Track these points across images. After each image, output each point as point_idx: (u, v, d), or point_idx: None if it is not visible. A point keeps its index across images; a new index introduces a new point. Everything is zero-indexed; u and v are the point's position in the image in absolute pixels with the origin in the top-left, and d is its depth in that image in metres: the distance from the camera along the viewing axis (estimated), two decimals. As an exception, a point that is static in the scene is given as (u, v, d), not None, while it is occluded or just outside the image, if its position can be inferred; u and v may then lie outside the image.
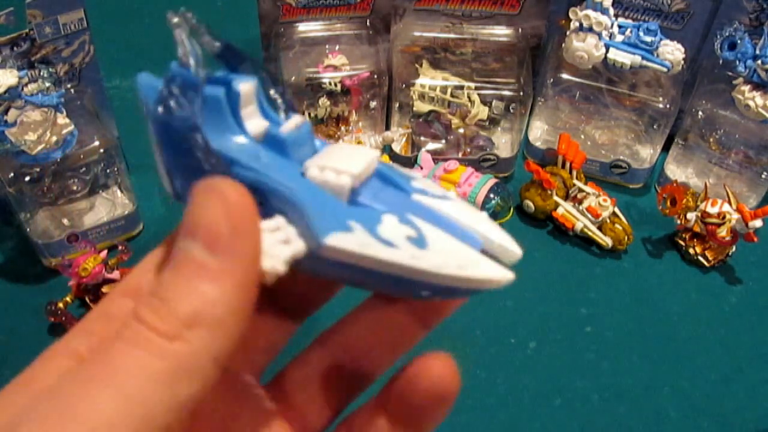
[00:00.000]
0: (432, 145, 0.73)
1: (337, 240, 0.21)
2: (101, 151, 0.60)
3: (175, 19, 0.25)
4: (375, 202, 0.23)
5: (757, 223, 0.62)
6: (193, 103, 0.23)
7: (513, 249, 0.23)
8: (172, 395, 0.18)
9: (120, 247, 0.58)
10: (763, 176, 0.68)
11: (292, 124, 0.24)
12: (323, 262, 0.21)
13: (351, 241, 0.21)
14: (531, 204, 0.68)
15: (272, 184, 0.22)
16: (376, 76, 0.71)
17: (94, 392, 0.17)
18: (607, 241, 0.65)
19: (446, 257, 0.21)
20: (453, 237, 0.22)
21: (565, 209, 0.67)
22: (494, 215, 0.65)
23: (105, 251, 0.57)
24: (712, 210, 0.64)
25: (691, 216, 0.65)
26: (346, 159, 0.23)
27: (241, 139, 0.24)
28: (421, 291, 0.22)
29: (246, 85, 0.24)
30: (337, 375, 0.26)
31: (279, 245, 0.21)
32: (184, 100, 0.23)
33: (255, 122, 0.24)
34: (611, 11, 0.65)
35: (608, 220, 0.66)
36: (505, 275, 0.21)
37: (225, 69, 0.26)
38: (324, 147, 0.24)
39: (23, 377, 0.21)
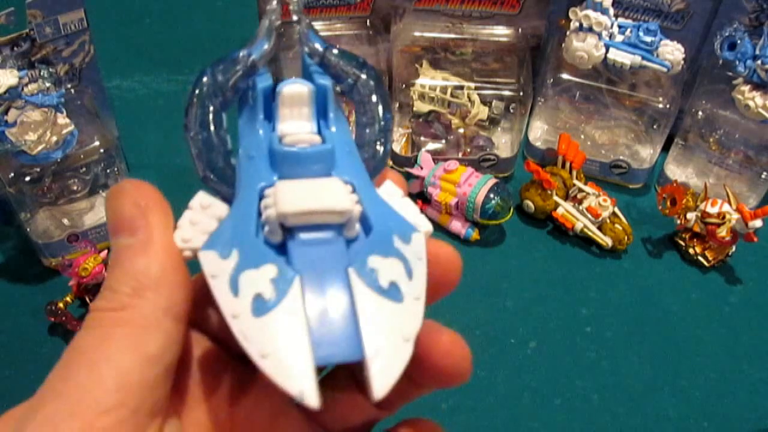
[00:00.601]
0: (432, 145, 0.73)
1: (203, 257, 0.21)
2: (101, 151, 0.60)
3: (272, 5, 0.25)
4: (296, 250, 0.21)
5: (757, 223, 0.62)
6: (236, 79, 0.24)
7: (372, 387, 0.19)
8: (143, 353, 0.20)
9: (120, 247, 0.58)
10: (763, 176, 0.68)
11: (301, 139, 0.23)
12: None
13: (210, 265, 0.21)
14: (531, 204, 0.68)
15: (237, 186, 0.23)
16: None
17: (77, 377, 0.20)
18: (607, 241, 0.65)
19: (264, 338, 0.19)
20: (309, 329, 0.19)
21: (565, 209, 0.67)
22: (494, 215, 0.65)
23: (105, 251, 0.57)
24: (712, 210, 0.64)
25: (691, 216, 0.65)
26: (300, 194, 0.21)
27: (258, 134, 0.24)
28: None
29: (292, 88, 0.24)
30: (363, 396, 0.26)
31: (189, 228, 0.22)
32: (229, 75, 0.24)
33: (292, 124, 0.24)
34: (611, 11, 0.65)
35: (608, 220, 0.66)
36: (298, 391, 0.19)
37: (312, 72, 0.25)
38: (336, 174, 0.23)
39: None
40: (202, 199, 0.23)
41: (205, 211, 0.23)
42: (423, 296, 0.21)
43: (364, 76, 0.26)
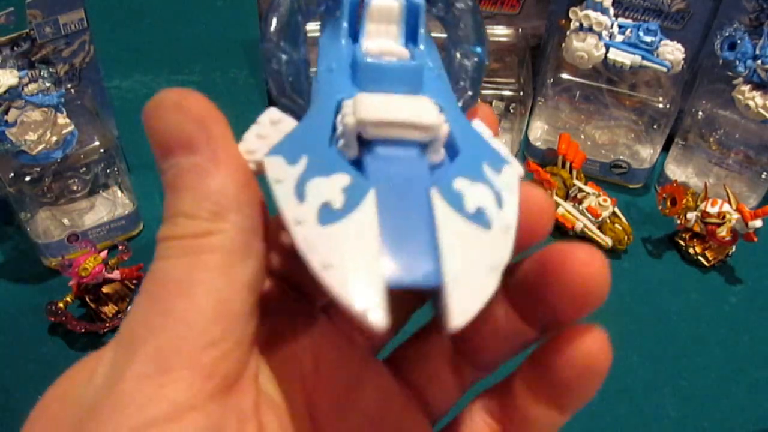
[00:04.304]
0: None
1: (268, 162, 0.19)
2: (101, 151, 0.60)
3: None
4: (374, 164, 0.19)
5: (757, 223, 0.62)
6: None
7: (448, 317, 0.17)
8: (238, 280, 0.18)
9: (120, 247, 0.58)
10: (763, 176, 0.68)
11: (386, 51, 0.22)
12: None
13: (275, 170, 0.19)
14: (531, 204, 0.68)
15: (312, 98, 0.21)
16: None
17: (173, 309, 0.18)
18: (607, 241, 0.65)
19: (329, 247, 0.17)
20: (383, 244, 0.17)
21: (565, 209, 0.67)
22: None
23: (105, 251, 0.57)
24: (712, 210, 0.64)
25: (691, 216, 0.65)
26: (385, 105, 0.20)
27: (340, 46, 0.22)
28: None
29: (382, 2, 0.22)
30: (457, 357, 0.24)
31: (256, 140, 0.21)
32: None
33: (378, 42, 0.22)
34: (611, 11, 0.65)
35: (608, 220, 0.66)
36: (363, 307, 0.16)
37: None
38: (423, 95, 0.21)
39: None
40: (272, 114, 0.21)
41: (274, 126, 0.21)
42: (513, 228, 0.19)
43: (462, 4, 0.24)
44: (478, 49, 0.24)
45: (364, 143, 0.19)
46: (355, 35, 0.23)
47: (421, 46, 0.23)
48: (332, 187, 0.18)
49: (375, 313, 0.16)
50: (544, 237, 0.21)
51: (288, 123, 0.21)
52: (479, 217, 0.19)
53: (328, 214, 0.18)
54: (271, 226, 0.20)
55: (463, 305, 0.17)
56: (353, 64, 0.21)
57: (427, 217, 0.18)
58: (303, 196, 0.18)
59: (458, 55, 0.24)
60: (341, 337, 0.24)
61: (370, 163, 0.19)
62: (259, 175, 0.20)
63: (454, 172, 0.20)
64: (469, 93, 0.24)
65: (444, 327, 0.17)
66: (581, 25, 0.65)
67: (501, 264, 0.18)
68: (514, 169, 0.21)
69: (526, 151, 0.76)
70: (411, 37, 0.23)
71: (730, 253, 0.66)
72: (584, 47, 0.65)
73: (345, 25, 0.22)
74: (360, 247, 0.17)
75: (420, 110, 0.20)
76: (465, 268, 0.18)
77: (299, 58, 0.23)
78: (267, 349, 0.22)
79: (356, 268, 0.17)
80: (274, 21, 0.23)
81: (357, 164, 0.19)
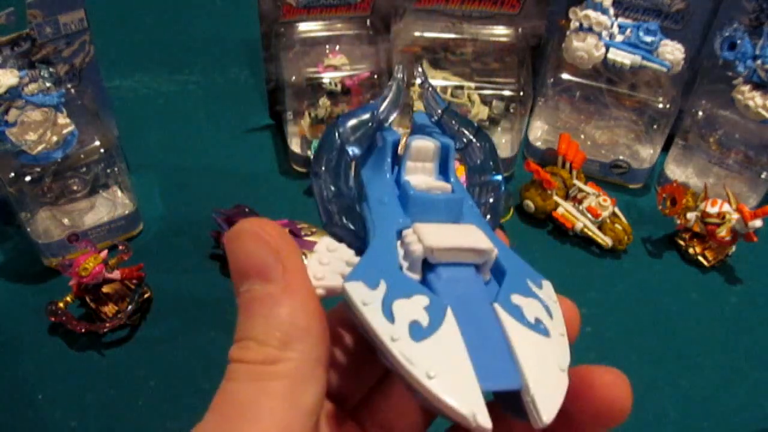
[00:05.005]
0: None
1: (350, 287, 0.21)
2: (101, 151, 0.60)
3: (398, 75, 0.27)
4: (441, 284, 0.22)
5: (757, 223, 0.62)
6: (367, 137, 0.26)
7: (539, 414, 0.20)
8: (301, 406, 0.20)
9: (120, 247, 0.58)
10: (763, 176, 0.68)
11: (432, 186, 0.25)
12: (348, 308, 0.22)
13: (359, 294, 0.21)
14: (531, 204, 0.68)
15: (369, 226, 0.24)
16: (376, 76, 0.71)
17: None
18: (607, 241, 0.65)
19: (429, 360, 0.20)
20: (469, 354, 0.20)
21: (565, 209, 0.67)
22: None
23: (105, 251, 0.57)
24: (712, 210, 0.64)
25: (691, 216, 0.65)
26: (444, 233, 0.23)
27: (386, 181, 0.25)
28: (405, 386, 0.20)
29: (421, 143, 0.26)
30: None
31: (320, 267, 0.23)
32: (360, 133, 0.26)
33: (420, 177, 0.25)
34: (611, 11, 0.65)
35: (608, 220, 0.66)
36: (470, 411, 0.19)
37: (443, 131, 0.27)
38: (463, 223, 0.24)
39: None
40: (328, 243, 0.24)
41: (332, 254, 0.23)
42: (566, 333, 0.23)
43: (477, 141, 0.27)
44: (497, 178, 0.27)
45: (427, 266, 0.22)
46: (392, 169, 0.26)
47: (452, 179, 0.26)
48: (416, 307, 0.21)
49: (481, 417, 0.19)
50: (574, 340, 0.24)
51: (344, 250, 0.24)
52: (538, 327, 0.22)
53: (418, 331, 0.20)
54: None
55: (547, 403, 0.20)
56: (404, 197, 0.24)
57: (497, 328, 0.21)
58: (392, 316, 0.20)
59: (478, 185, 0.27)
60: None
61: (438, 283, 0.22)
62: (329, 297, 0.22)
63: (508, 289, 0.23)
64: (488, 216, 0.27)
65: (534, 423, 0.20)
66: (581, 25, 0.65)
67: (567, 364, 0.22)
68: (549, 283, 0.24)
69: (526, 151, 0.76)
70: (443, 171, 0.26)
71: (730, 253, 0.66)
72: (584, 47, 0.65)
73: (389, 161, 0.26)
74: (454, 358, 0.20)
75: (475, 237, 0.23)
76: (542, 371, 0.21)
77: (343, 188, 0.25)
78: None
79: (456, 377, 0.19)
80: (325, 159, 0.25)
81: (422, 284, 0.22)
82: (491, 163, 0.27)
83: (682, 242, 0.67)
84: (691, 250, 0.66)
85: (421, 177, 0.25)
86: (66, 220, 0.63)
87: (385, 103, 0.26)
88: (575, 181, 0.68)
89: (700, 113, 0.68)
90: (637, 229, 0.68)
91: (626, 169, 0.72)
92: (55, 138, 0.55)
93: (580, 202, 0.67)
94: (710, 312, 0.63)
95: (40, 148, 0.54)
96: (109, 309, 0.57)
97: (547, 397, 0.20)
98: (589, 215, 0.66)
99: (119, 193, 0.65)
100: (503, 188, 0.27)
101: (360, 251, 0.23)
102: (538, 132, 0.76)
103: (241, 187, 0.70)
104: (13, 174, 0.57)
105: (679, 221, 0.66)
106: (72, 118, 0.56)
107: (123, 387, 0.54)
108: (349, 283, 0.21)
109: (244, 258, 0.21)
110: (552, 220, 0.68)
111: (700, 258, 0.66)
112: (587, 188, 0.68)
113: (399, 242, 0.23)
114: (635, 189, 0.74)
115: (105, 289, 0.58)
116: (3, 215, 0.64)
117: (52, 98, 0.54)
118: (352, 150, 0.26)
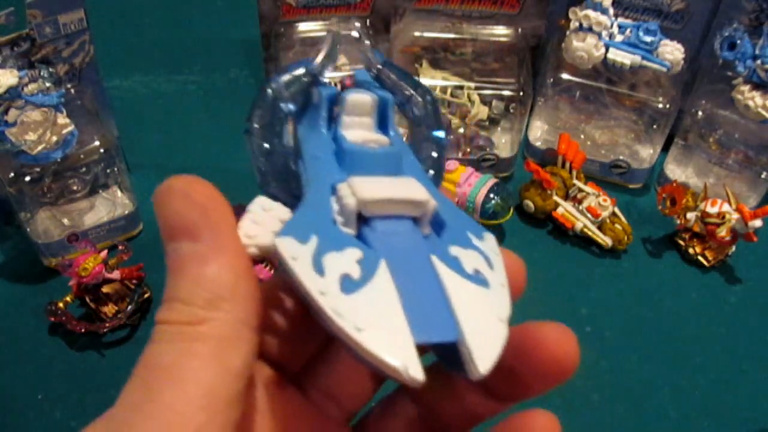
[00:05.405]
0: (432, 145, 0.72)
1: (280, 242, 0.20)
2: (101, 151, 0.60)
3: (333, 28, 0.26)
4: (376, 237, 0.21)
5: (757, 223, 0.62)
6: (302, 93, 0.25)
7: (475, 365, 0.19)
8: (228, 368, 0.19)
9: (120, 247, 0.58)
10: (763, 176, 0.68)
11: (368, 139, 0.24)
12: (281, 266, 0.21)
13: (289, 249, 0.20)
14: (531, 204, 0.68)
15: (304, 184, 0.23)
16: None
17: (162, 395, 0.19)
18: (607, 241, 0.65)
19: (359, 313, 0.19)
20: (403, 307, 0.19)
21: (565, 209, 0.67)
22: (494, 215, 0.65)
23: (105, 251, 0.57)
24: (712, 210, 0.64)
25: (691, 216, 0.65)
26: (378, 186, 0.22)
27: (322, 136, 0.24)
28: (340, 343, 0.20)
29: (357, 97, 0.25)
30: (422, 425, 0.26)
31: (253, 226, 0.22)
32: (294, 89, 0.25)
33: (357, 132, 0.25)
34: (611, 11, 0.65)
35: (608, 220, 0.66)
36: (401, 363, 0.18)
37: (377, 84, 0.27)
38: (403, 174, 0.24)
39: None
40: (262, 202, 0.23)
41: (266, 212, 0.23)
42: (507, 285, 0.22)
43: (419, 96, 0.27)
44: (437, 134, 0.27)
45: (362, 220, 0.22)
46: (330, 125, 0.25)
47: (392, 133, 0.25)
48: (347, 260, 0.20)
49: (413, 369, 0.18)
50: (519, 296, 0.23)
51: (279, 209, 0.23)
52: (478, 278, 0.21)
53: (349, 285, 0.19)
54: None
55: (485, 354, 0.19)
56: (340, 152, 0.24)
57: (434, 280, 0.21)
58: (322, 270, 0.20)
59: (422, 141, 0.27)
60: (314, 409, 0.25)
61: (373, 237, 0.21)
62: (261, 257, 0.22)
63: (446, 240, 0.22)
64: (432, 172, 0.26)
65: (470, 375, 0.19)
66: (581, 25, 0.65)
67: (507, 315, 0.21)
68: (492, 236, 0.24)
69: (526, 151, 0.76)
70: (382, 126, 0.25)
71: (729, 253, 0.66)
72: (584, 47, 0.65)
73: (325, 116, 0.25)
74: (386, 310, 0.19)
75: (411, 189, 0.22)
76: (479, 322, 0.20)
77: (277, 145, 0.24)
78: (244, 427, 0.22)
79: (388, 330, 0.19)
80: (257, 116, 0.25)
81: (357, 238, 0.21)
82: (433, 118, 0.27)
83: (682, 242, 0.67)
84: (691, 250, 0.66)
85: (358, 132, 0.25)
86: (66, 220, 0.63)
87: (320, 57, 0.25)
88: (575, 181, 0.68)
89: (700, 113, 0.68)
90: (637, 229, 0.68)
91: (626, 169, 0.72)
92: (54, 138, 0.55)
93: (580, 202, 0.67)
94: (710, 312, 0.63)
95: (39, 148, 0.54)
96: (109, 309, 0.57)
97: (485, 347, 0.19)
98: (589, 215, 0.66)
99: (119, 193, 0.65)
100: (446, 143, 0.27)
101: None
102: (538, 132, 0.76)
103: (241, 187, 0.70)
104: (12, 174, 0.57)
105: (679, 221, 0.66)
106: (72, 118, 0.56)
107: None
108: (280, 239, 0.20)
109: (172, 217, 0.20)
110: (552, 220, 0.68)
111: (700, 258, 0.66)
112: (587, 188, 0.68)
113: (334, 197, 0.22)
114: (635, 189, 0.74)
115: (105, 289, 0.58)
116: (3, 215, 0.64)
117: (51, 98, 0.54)
118: (286, 106, 0.25)
